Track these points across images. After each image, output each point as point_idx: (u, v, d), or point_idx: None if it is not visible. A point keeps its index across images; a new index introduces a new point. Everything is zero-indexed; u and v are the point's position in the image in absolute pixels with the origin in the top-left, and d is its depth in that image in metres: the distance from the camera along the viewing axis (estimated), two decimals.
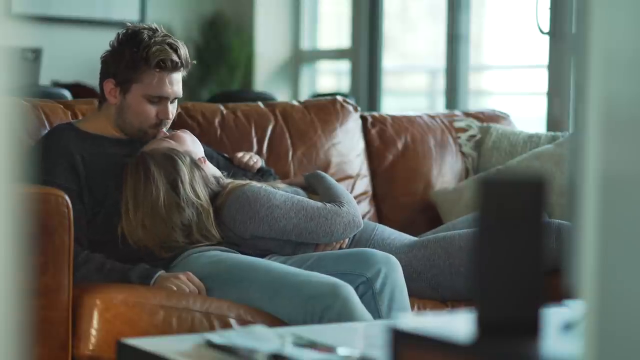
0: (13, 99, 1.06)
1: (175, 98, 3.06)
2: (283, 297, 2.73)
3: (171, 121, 3.10)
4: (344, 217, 3.01)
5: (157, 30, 3.04)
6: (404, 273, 2.89)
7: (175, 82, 3.03)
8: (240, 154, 3.35)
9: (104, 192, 2.95)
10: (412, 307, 3.02)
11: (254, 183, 3.07)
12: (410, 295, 2.92)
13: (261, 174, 3.32)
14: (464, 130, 3.87)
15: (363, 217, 3.65)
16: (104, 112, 3.08)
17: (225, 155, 3.35)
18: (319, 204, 3.03)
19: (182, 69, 3.04)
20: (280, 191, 3.04)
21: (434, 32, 6.35)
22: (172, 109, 3.06)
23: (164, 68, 3.00)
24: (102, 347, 2.60)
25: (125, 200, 2.92)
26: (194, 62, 3.11)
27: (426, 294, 3.09)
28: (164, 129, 3.07)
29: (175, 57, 3.00)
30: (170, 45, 3.01)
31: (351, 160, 3.71)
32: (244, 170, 3.29)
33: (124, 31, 3.04)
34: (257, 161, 3.35)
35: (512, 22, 6.23)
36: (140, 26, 3.06)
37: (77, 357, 2.61)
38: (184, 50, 3.04)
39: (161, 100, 3.03)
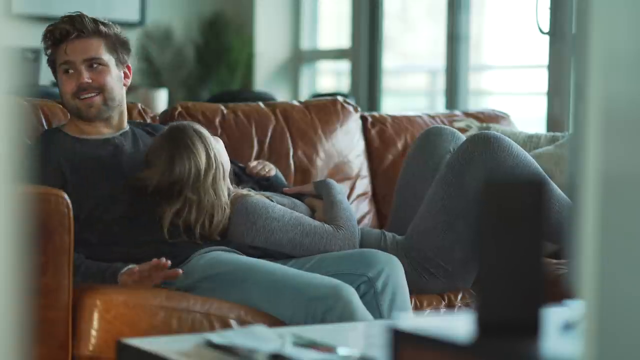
0: (13, 99, 1.06)
1: (91, 61, 3.06)
2: (284, 298, 2.73)
3: (107, 92, 3.07)
4: (339, 240, 3.02)
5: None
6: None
7: (80, 47, 3.05)
8: (253, 163, 3.35)
9: (94, 194, 2.95)
10: (412, 305, 3.03)
11: (253, 194, 3.06)
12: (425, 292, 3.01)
13: (269, 183, 3.30)
14: (464, 130, 3.87)
15: (363, 218, 3.66)
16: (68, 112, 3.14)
17: (240, 165, 3.34)
18: (317, 223, 3.03)
19: (77, 34, 3.05)
20: (278, 205, 3.05)
21: (434, 32, 6.35)
22: (95, 76, 3.06)
23: (58, 40, 3.05)
24: (102, 347, 2.60)
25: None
26: (112, 23, 3.13)
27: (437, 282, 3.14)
28: (96, 98, 3.06)
29: (65, 26, 3.05)
30: (68, 17, 3.07)
31: (351, 160, 3.70)
32: (254, 179, 3.28)
33: None
34: (271, 170, 3.34)
35: (512, 22, 6.23)
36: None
37: (77, 357, 2.61)
38: (83, 19, 3.06)
39: (71, 66, 3.05)
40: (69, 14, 3.09)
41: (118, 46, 3.11)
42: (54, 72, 3.11)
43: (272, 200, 3.10)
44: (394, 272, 2.82)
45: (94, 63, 3.06)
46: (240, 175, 3.27)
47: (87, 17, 3.09)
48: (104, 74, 3.07)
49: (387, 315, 2.78)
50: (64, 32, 3.04)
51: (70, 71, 3.05)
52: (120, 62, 3.11)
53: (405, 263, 3.09)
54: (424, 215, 3.16)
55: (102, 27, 3.08)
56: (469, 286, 3.18)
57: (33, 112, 3.17)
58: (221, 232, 3.00)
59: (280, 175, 3.40)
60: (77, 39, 3.05)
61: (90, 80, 3.04)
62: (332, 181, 3.25)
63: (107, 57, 3.08)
